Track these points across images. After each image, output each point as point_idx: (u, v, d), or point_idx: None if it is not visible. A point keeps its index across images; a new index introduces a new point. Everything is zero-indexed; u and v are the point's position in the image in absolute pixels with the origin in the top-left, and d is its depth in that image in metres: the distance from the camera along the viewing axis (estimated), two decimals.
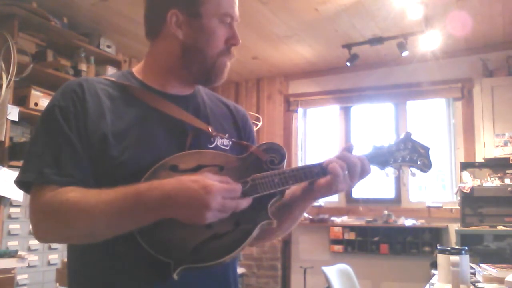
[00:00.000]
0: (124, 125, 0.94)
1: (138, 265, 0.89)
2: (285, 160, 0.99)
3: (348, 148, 1.02)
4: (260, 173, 0.94)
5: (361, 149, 1.04)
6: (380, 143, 1.07)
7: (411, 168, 1.10)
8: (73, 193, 0.86)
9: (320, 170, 0.98)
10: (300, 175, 0.97)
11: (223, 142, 1.04)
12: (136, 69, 1.07)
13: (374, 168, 1.04)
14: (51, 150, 0.90)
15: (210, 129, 1.02)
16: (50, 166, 0.89)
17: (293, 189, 1.04)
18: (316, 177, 0.98)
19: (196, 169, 0.92)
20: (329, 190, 0.98)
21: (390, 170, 1.07)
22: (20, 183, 0.92)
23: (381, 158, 1.05)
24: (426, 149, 1.11)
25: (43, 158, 0.90)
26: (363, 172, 0.99)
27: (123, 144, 0.92)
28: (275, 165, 0.97)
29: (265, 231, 0.96)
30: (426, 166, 1.10)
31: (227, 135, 1.06)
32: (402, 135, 1.10)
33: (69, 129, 0.91)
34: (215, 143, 1.03)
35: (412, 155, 1.08)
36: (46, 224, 0.89)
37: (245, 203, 0.87)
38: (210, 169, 0.93)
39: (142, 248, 0.86)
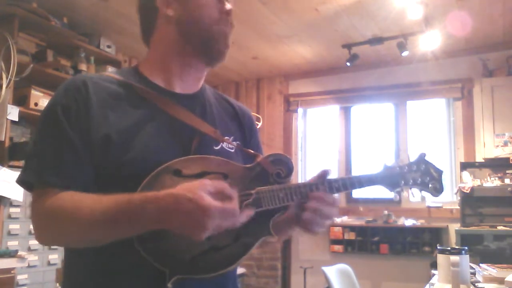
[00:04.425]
0: (128, 125, 0.92)
1: (133, 271, 0.87)
2: (292, 174, 0.96)
3: (323, 175, 0.98)
4: (265, 186, 0.92)
5: (371, 168, 1.01)
6: (392, 163, 1.03)
7: (422, 192, 1.07)
8: (70, 201, 0.85)
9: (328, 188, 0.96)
10: (307, 192, 0.94)
11: (228, 144, 1.03)
12: (142, 65, 1.05)
13: (383, 189, 1.02)
14: (53, 152, 0.88)
15: (217, 134, 1.00)
16: (51, 168, 0.87)
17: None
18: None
19: (200, 175, 0.89)
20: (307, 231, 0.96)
21: (399, 191, 1.04)
22: (22, 181, 0.91)
23: (392, 180, 1.02)
24: (439, 172, 1.07)
25: (45, 160, 0.88)
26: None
27: (127, 144, 0.90)
28: (281, 178, 0.95)
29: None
30: (437, 190, 1.06)
31: (232, 137, 1.05)
32: (416, 156, 1.06)
33: (72, 130, 0.88)
34: (220, 145, 1.01)
35: (423, 177, 1.05)
36: (46, 230, 0.89)
37: (243, 220, 0.84)
38: (214, 177, 0.90)
39: (139, 254, 0.84)
